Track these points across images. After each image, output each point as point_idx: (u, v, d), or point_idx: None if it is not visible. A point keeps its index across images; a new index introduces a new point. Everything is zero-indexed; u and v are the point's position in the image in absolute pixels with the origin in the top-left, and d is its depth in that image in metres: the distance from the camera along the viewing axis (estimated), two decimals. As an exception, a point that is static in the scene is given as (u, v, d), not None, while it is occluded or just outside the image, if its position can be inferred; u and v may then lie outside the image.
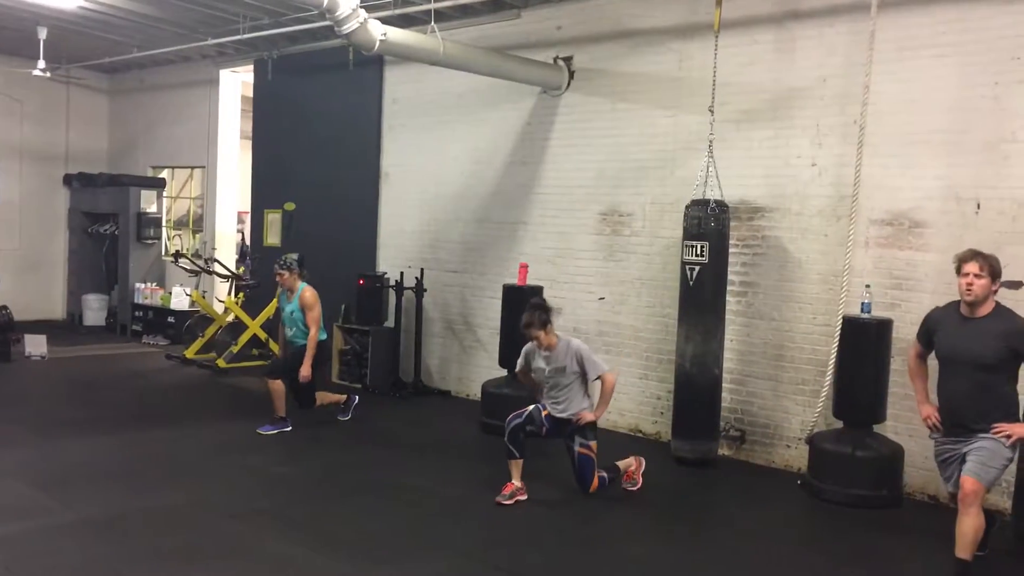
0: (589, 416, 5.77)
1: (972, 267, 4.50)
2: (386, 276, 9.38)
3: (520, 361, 6.08)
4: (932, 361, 4.88)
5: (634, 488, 6.03)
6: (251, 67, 11.17)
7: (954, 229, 6.07)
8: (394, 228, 9.72)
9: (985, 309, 4.55)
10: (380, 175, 9.81)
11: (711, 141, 6.71)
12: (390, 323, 9.24)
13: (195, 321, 10.62)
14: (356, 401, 7.82)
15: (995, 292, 4.57)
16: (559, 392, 5.82)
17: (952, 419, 4.60)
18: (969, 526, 4.36)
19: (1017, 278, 5.72)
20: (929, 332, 4.81)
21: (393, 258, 9.62)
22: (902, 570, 4.88)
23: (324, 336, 7.51)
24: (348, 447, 7.05)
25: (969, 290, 4.51)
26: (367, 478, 6.20)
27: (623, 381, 7.69)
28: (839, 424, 6.27)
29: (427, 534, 5.19)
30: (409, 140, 9.55)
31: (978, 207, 5.98)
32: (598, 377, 5.78)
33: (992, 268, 4.51)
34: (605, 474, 5.85)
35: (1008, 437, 4.43)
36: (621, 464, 6.01)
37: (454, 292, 9.18)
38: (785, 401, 6.86)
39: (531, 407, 5.89)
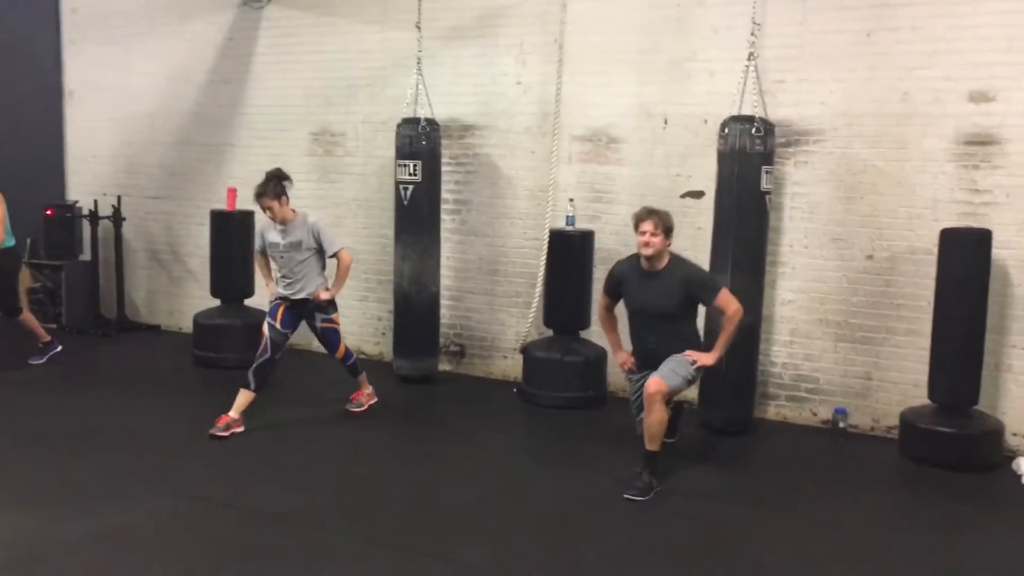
0: (326, 295, 5.70)
1: (648, 226, 4.86)
2: (78, 205, 8.56)
3: (256, 240, 5.88)
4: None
5: (358, 410, 6.03)
6: None
7: (646, 144, 6.49)
8: (84, 152, 8.86)
9: (663, 262, 4.94)
10: (64, 94, 8.86)
11: (419, 58, 6.66)
12: (86, 256, 8.48)
13: None
14: (58, 349, 7.15)
15: (669, 246, 4.94)
16: (295, 269, 5.65)
17: (646, 361, 4.99)
18: (654, 420, 4.77)
19: (699, 188, 6.25)
20: (616, 285, 5.14)
21: (86, 185, 8.79)
22: (603, 462, 5.27)
23: (13, 243, 6.95)
24: (47, 391, 6.45)
25: (647, 246, 4.86)
26: (69, 423, 5.71)
27: (343, 304, 7.59)
28: (550, 333, 6.61)
29: (141, 476, 4.88)
30: (95, 55, 8.67)
31: (665, 122, 6.42)
32: (334, 254, 5.69)
33: (666, 225, 4.89)
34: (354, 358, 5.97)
35: (695, 362, 4.88)
36: (364, 379, 6.06)
37: (158, 220, 8.57)
38: (501, 314, 7.11)
39: (267, 332, 5.65)
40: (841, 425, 5.89)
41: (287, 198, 5.63)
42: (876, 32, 5.74)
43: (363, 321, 7.67)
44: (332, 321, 5.80)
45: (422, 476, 5.14)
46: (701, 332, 5.21)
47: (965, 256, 5.32)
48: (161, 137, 8.45)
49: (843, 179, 5.92)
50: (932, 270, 5.46)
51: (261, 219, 5.83)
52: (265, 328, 5.67)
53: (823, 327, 6.07)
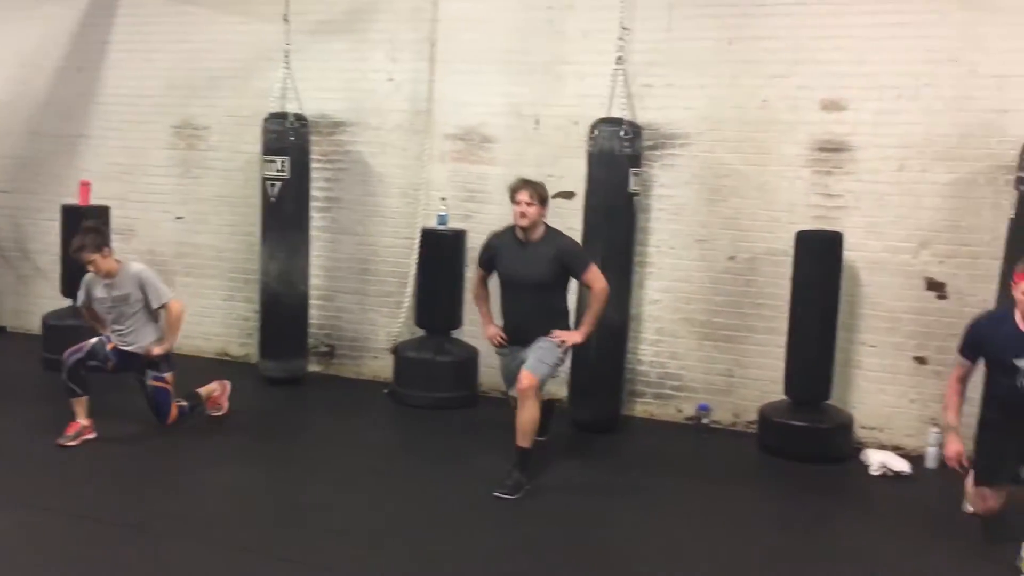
0: (157, 350, 5.34)
1: (523, 196, 4.88)
2: (-87, 198, 7.96)
3: (80, 295, 5.48)
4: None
5: (220, 414, 5.81)
6: None
7: (518, 144, 6.52)
8: (-80, 141, 8.25)
9: (538, 233, 4.96)
10: None
11: (287, 52, 6.49)
12: (-78, 253, 7.90)
13: None
14: None
15: (544, 216, 4.98)
16: (124, 323, 5.35)
17: (517, 335, 5.00)
18: (526, 418, 4.79)
19: (570, 189, 6.32)
20: (490, 257, 5.14)
21: (-78, 177, 8.18)
22: (474, 462, 5.27)
23: None
24: None
25: (523, 216, 4.87)
26: None
27: (206, 304, 7.35)
28: (422, 333, 6.55)
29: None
30: (-67, 36, 8.08)
31: (537, 123, 6.46)
32: (162, 306, 5.38)
33: (540, 196, 4.93)
34: (186, 403, 5.54)
35: (563, 342, 4.91)
36: (203, 391, 5.71)
37: (4, 214, 8.06)
38: (371, 314, 7.01)
39: (93, 340, 5.36)
40: (704, 421, 6.07)
41: (109, 249, 5.30)
42: (738, 41, 5.94)
43: (228, 321, 7.41)
44: (164, 381, 5.39)
45: (288, 481, 5.01)
46: (573, 313, 5.27)
47: (818, 258, 5.57)
48: (10, 127, 7.95)
49: (707, 182, 6.11)
50: (789, 271, 5.69)
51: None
52: (94, 339, 5.38)
53: (688, 326, 6.24)
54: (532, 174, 6.36)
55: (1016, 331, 4.21)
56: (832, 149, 5.81)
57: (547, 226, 5.02)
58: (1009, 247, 5.12)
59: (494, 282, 5.19)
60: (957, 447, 4.37)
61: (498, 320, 5.19)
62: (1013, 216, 5.13)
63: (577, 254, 5.05)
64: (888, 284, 5.77)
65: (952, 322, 5.44)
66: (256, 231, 6.77)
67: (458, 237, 6.44)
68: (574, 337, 4.97)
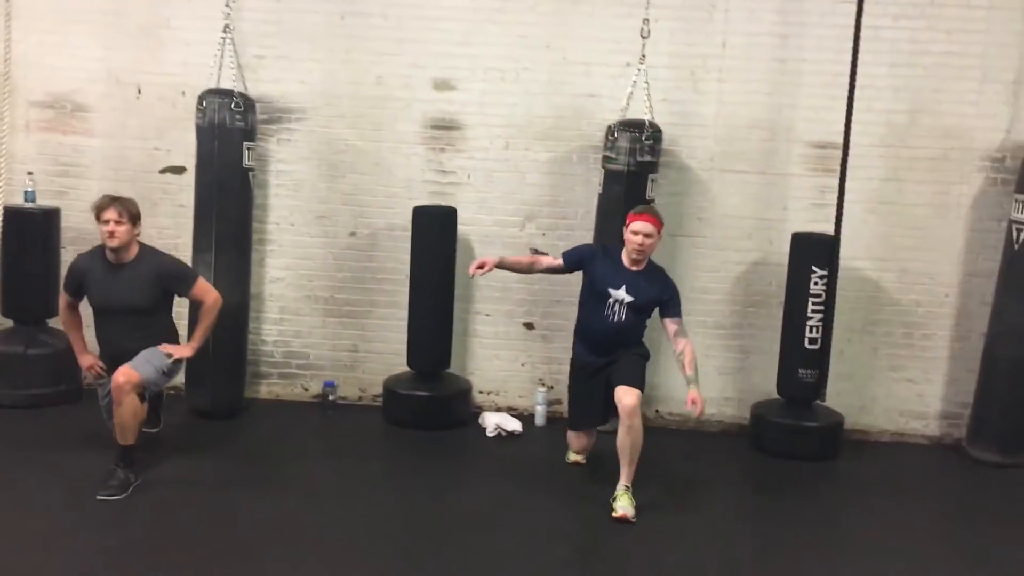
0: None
1: (111, 214, 4.51)
2: None
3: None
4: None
5: None
6: None
7: (118, 114, 5.98)
8: None
9: (131, 254, 4.63)
10: None
11: None
12: None
13: None
14: None
15: (137, 235, 4.66)
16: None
17: (116, 364, 4.56)
18: (125, 413, 4.43)
19: (180, 163, 5.94)
20: (77, 282, 4.73)
21: None
22: (75, 463, 4.77)
23: None
24: None
25: (112, 236, 4.51)
26: None
27: None
28: (9, 323, 5.81)
29: None
30: None
31: (139, 92, 5.97)
32: None
33: (132, 214, 4.58)
34: None
35: (171, 355, 4.63)
36: None
37: None
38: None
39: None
40: (331, 398, 6.05)
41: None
42: (349, 16, 5.92)
43: None
44: None
45: None
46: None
47: (434, 232, 5.75)
48: None
49: (326, 158, 6.04)
50: (408, 245, 5.82)
51: None
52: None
53: (312, 303, 6.16)
54: (136, 147, 6.03)
55: (619, 266, 4.76)
56: (444, 127, 6.01)
57: (142, 244, 4.70)
58: (599, 219, 5.66)
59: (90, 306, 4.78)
60: None
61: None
62: (601, 191, 5.66)
63: (180, 274, 4.79)
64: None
65: (555, 289, 5.93)
66: None
67: (50, 215, 5.77)
68: (183, 351, 4.74)
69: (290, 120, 6.00)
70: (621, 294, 4.71)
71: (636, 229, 4.68)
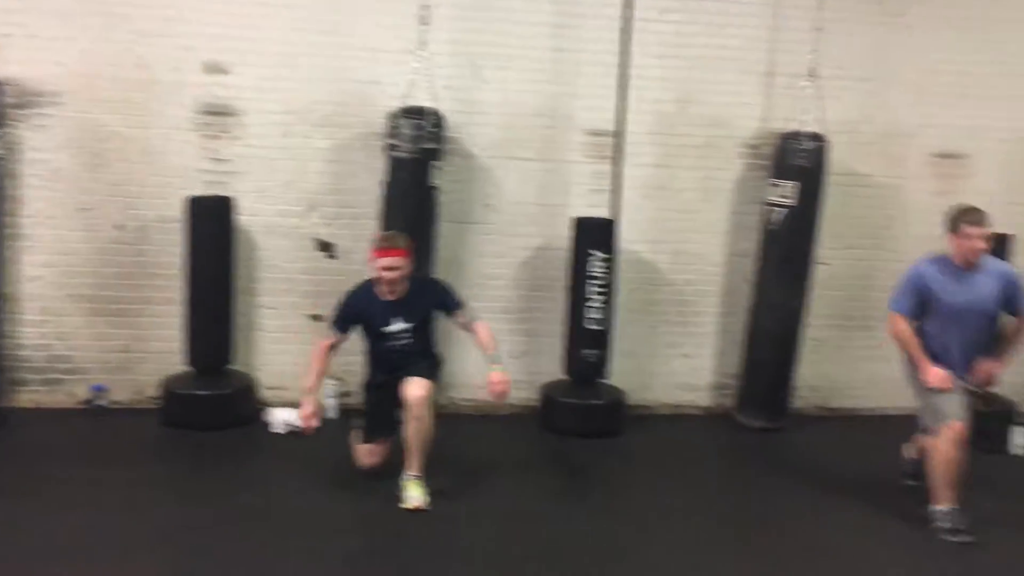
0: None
1: None
2: None
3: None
4: None
5: None
6: None
7: None
8: None
9: None
10: None
11: None
12: None
13: None
14: None
15: None
16: None
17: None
18: None
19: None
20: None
21: None
22: None
23: None
24: None
25: None
26: None
27: None
28: None
29: None
30: None
31: None
32: None
33: None
34: None
35: None
36: None
37: None
38: None
39: None
40: (101, 403, 5.64)
41: None
42: (108, -9, 5.53)
43: None
44: None
45: None
46: None
47: (210, 223, 5.48)
48: None
49: (86, 145, 5.61)
50: (181, 238, 5.51)
51: None
52: None
53: (76, 302, 5.72)
54: None
55: (382, 303, 4.69)
56: (218, 113, 5.73)
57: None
58: (383, 207, 5.59)
59: None
60: (312, 408, 4.65)
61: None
62: (385, 179, 5.59)
63: None
64: (282, 247, 5.92)
65: (342, 279, 5.73)
66: None
67: None
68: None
69: (44, 104, 5.52)
70: (399, 325, 4.70)
71: (384, 265, 4.61)
